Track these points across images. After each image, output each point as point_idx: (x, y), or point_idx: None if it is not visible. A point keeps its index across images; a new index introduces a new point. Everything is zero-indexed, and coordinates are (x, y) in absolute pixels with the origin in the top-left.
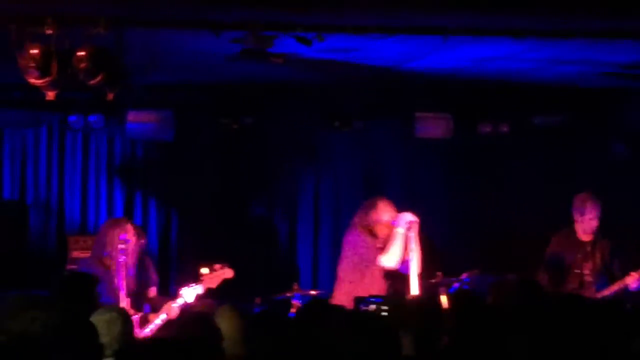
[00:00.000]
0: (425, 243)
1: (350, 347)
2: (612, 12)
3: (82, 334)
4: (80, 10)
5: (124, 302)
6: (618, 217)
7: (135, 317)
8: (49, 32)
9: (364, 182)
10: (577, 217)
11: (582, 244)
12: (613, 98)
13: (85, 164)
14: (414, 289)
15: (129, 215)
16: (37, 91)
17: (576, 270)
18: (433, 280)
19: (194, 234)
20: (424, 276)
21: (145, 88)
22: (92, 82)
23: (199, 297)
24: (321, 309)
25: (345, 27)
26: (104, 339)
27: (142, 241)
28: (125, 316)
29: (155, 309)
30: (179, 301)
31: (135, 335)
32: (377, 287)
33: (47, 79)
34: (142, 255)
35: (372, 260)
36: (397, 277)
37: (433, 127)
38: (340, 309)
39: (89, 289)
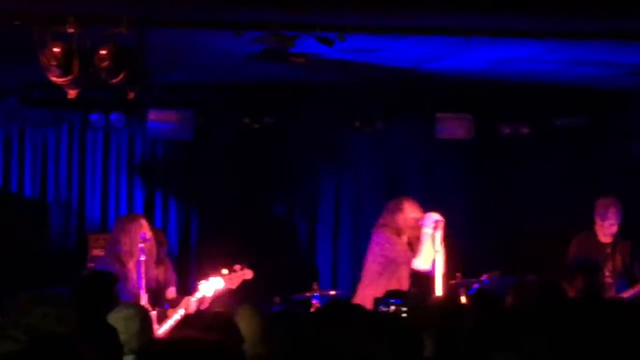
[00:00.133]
0: (445, 244)
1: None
2: (634, 13)
3: (102, 332)
4: (102, 9)
5: (143, 300)
6: (639, 218)
7: (153, 313)
8: (71, 31)
9: (385, 183)
10: (598, 220)
11: (603, 245)
12: (634, 99)
13: (105, 163)
14: (439, 289)
15: (149, 215)
16: (59, 90)
17: (605, 272)
18: (452, 281)
19: (214, 233)
20: (444, 277)
21: (166, 87)
22: (113, 81)
23: (218, 295)
24: (341, 309)
25: (366, 28)
26: (122, 336)
27: (163, 241)
28: (143, 313)
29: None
30: (197, 295)
31: (154, 331)
32: (403, 286)
33: (68, 77)
34: (162, 255)
35: (399, 261)
36: (422, 278)
37: (454, 127)
38: (360, 308)
39: (109, 287)
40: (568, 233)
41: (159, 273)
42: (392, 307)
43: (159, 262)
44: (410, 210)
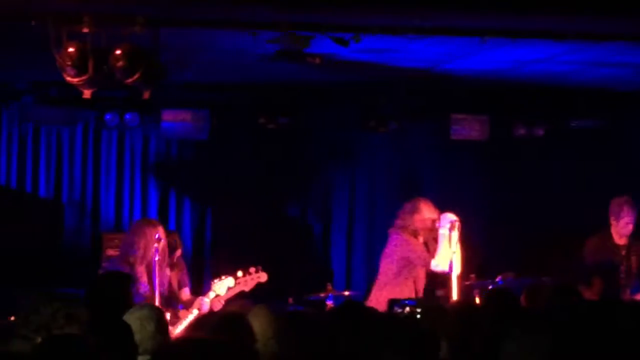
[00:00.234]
0: (460, 245)
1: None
2: None
3: (117, 331)
4: (117, 9)
5: (156, 301)
6: None
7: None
8: (86, 30)
9: (399, 183)
10: (613, 220)
11: (617, 247)
12: None
13: (120, 163)
14: (455, 290)
15: (163, 215)
16: (74, 89)
17: (621, 274)
18: (467, 282)
19: (228, 234)
20: (459, 278)
21: (181, 87)
22: (128, 80)
23: (232, 296)
24: (355, 310)
25: (382, 28)
26: (137, 336)
27: (179, 250)
28: (158, 314)
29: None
30: (211, 295)
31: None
32: (420, 287)
33: (83, 77)
34: (177, 258)
35: (416, 262)
36: (438, 278)
37: (469, 128)
38: (374, 310)
39: (124, 287)
40: (583, 235)
41: (172, 274)
42: (407, 309)
43: (173, 264)
44: (426, 211)
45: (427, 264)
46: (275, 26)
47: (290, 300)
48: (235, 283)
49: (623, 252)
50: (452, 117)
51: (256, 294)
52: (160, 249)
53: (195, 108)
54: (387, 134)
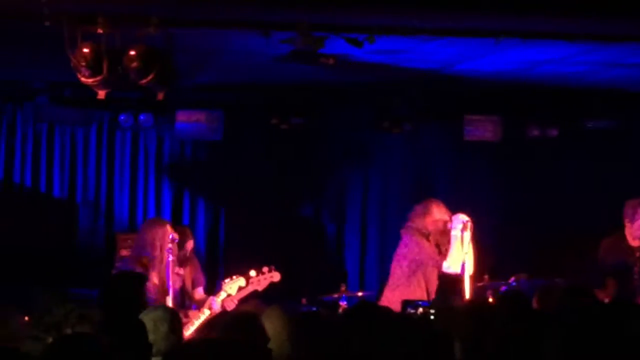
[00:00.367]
0: (473, 245)
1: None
2: None
3: (131, 332)
4: (131, 10)
5: (169, 301)
6: None
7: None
8: (101, 31)
9: (412, 184)
10: (627, 222)
11: (632, 249)
12: None
13: (134, 163)
14: (467, 291)
15: (176, 215)
16: (88, 90)
17: (635, 275)
18: (480, 284)
19: (241, 234)
20: (472, 279)
21: (195, 88)
22: (142, 81)
23: (245, 296)
24: (368, 311)
25: (396, 29)
26: (150, 337)
27: (190, 241)
28: (172, 315)
29: None
30: (222, 295)
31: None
32: (432, 289)
33: (98, 77)
34: (190, 254)
35: (427, 264)
36: (450, 280)
37: (482, 129)
38: (389, 311)
39: (138, 288)
40: (596, 236)
41: (186, 273)
42: (420, 310)
43: (185, 259)
44: (438, 213)
45: (439, 266)
46: (289, 27)
47: (304, 300)
48: (249, 283)
49: (637, 254)
50: (465, 118)
51: (269, 294)
52: (173, 249)
53: (209, 109)
54: (400, 134)
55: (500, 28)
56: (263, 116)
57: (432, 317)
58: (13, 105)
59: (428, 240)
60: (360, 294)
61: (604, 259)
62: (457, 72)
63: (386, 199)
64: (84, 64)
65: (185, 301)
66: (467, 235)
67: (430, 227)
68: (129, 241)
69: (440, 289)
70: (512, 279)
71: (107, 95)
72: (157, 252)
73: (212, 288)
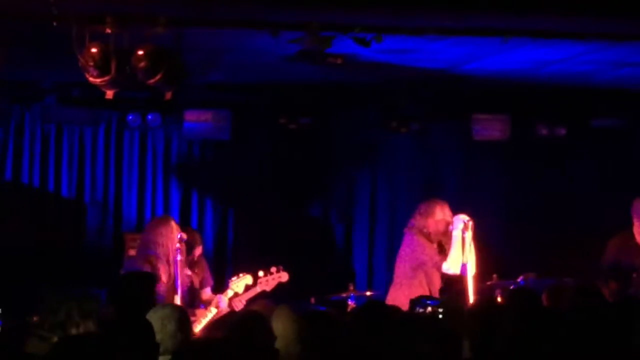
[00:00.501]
0: (481, 245)
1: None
2: None
3: (138, 331)
4: (139, 9)
5: (177, 300)
6: None
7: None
8: (109, 31)
9: (421, 183)
10: (635, 221)
11: (639, 247)
12: None
13: (142, 163)
14: (470, 291)
15: (185, 215)
16: (96, 90)
17: (634, 274)
18: (489, 283)
19: (250, 234)
20: (480, 278)
21: (203, 87)
22: (150, 81)
23: (253, 296)
24: (377, 310)
25: (403, 28)
26: (158, 336)
27: (199, 247)
28: (180, 314)
29: None
30: (229, 293)
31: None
32: (434, 289)
33: (106, 77)
34: (198, 256)
35: (428, 264)
36: (453, 280)
37: (490, 128)
38: (397, 310)
39: (147, 287)
40: (605, 235)
41: (194, 274)
42: (429, 308)
43: (193, 262)
44: (440, 215)
45: (438, 267)
46: (297, 26)
47: (313, 300)
48: (257, 283)
49: None
50: (473, 117)
51: (278, 294)
52: (182, 249)
53: (217, 108)
54: (408, 134)
55: (508, 27)
56: (271, 116)
57: (440, 316)
58: (21, 105)
59: (430, 240)
60: (368, 293)
61: (612, 258)
62: (465, 71)
63: (394, 198)
64: (92, 64)
65: (195, 301)
66: (469, 235)
67: (431, 229)
68: (137, 241)
69: (445, 289)
70: (521, 278)
71: (115, 95)
72: (163, 250)
73: (221, 288)
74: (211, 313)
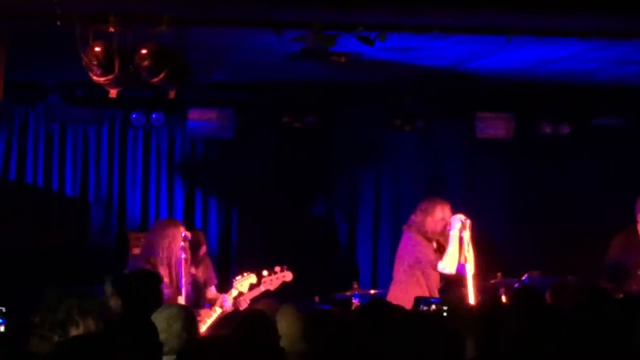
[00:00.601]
0: (485, 243)
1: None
2: None
3: (142, 331)
4: (142, 8)
5: (182, 299)
6: None
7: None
8: (112, 30)
9: (425, 182)
10: (639, 219)
11: None
12: None
13: (146, 161)
14: (471, 290)
15: (189, 213)
16: (100, 89)
17: (638, 272)
18: (493, 281)
19: (254, 232)
20: (484, 277)
21: (207, 86)
22: (154, 80)
23: (257, 294)
24: (381, 308)
25: (407, 27)
26: (163, 335)
27: (203, 247)
28: (186, 313)
29: None
30: (233, 292)
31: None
32: (433, 288)
33: (109, 76)
34: (202, 255)
35: (425, 263)
36: (453, 279)
37: (494, 127)
38: (401, 309)
39: (153, 287)
40: (609, 233)
41: (198, 273)
42: (433, 307)
43: (198, 261)
44: (440, 215)
45: (434, 266)
46: (300, 25)
47: (317, 299)
48: (261, 282)
49: None
50: (477, 115)
51: (282, 293)
52: (186, 248)
53: (220, 107)
54: (412, 132)
55: (511, 25)
56: (275, 114)
57: (444, 314)
58: (25, 105)
59: (427, 239)
60: (372, 291)
61: (616, 256)
62: (468, 69)
63: (398, 196)
64: (95, 62)
65: (200, 300)
66: (467, 234)
67: (429, 228)
68: (141, 240)
69: (443, 288)
70: (525, 276)
71: (118, 94)
72: (166, 253)
73: (225, 287)
74: (216, 313)
